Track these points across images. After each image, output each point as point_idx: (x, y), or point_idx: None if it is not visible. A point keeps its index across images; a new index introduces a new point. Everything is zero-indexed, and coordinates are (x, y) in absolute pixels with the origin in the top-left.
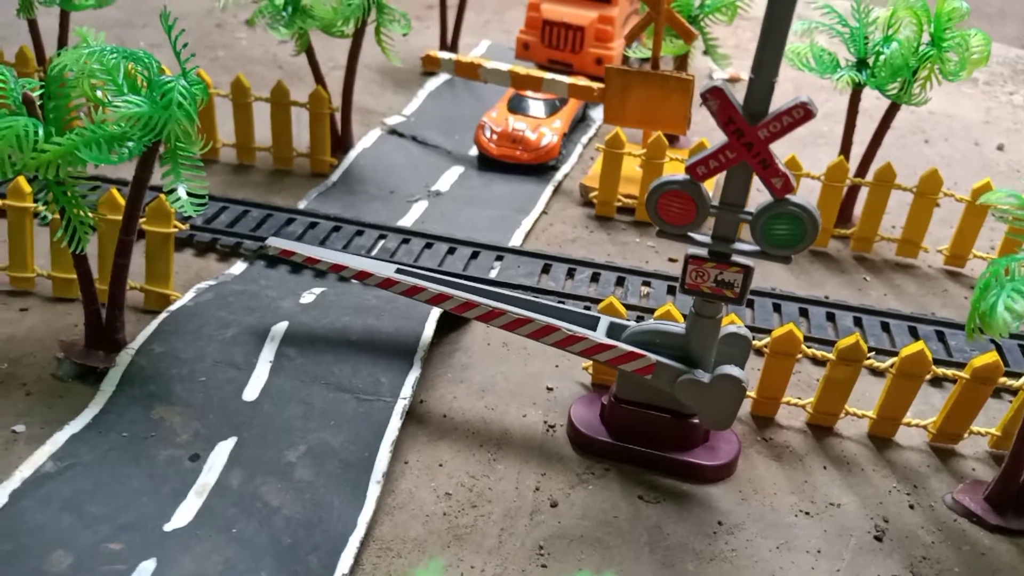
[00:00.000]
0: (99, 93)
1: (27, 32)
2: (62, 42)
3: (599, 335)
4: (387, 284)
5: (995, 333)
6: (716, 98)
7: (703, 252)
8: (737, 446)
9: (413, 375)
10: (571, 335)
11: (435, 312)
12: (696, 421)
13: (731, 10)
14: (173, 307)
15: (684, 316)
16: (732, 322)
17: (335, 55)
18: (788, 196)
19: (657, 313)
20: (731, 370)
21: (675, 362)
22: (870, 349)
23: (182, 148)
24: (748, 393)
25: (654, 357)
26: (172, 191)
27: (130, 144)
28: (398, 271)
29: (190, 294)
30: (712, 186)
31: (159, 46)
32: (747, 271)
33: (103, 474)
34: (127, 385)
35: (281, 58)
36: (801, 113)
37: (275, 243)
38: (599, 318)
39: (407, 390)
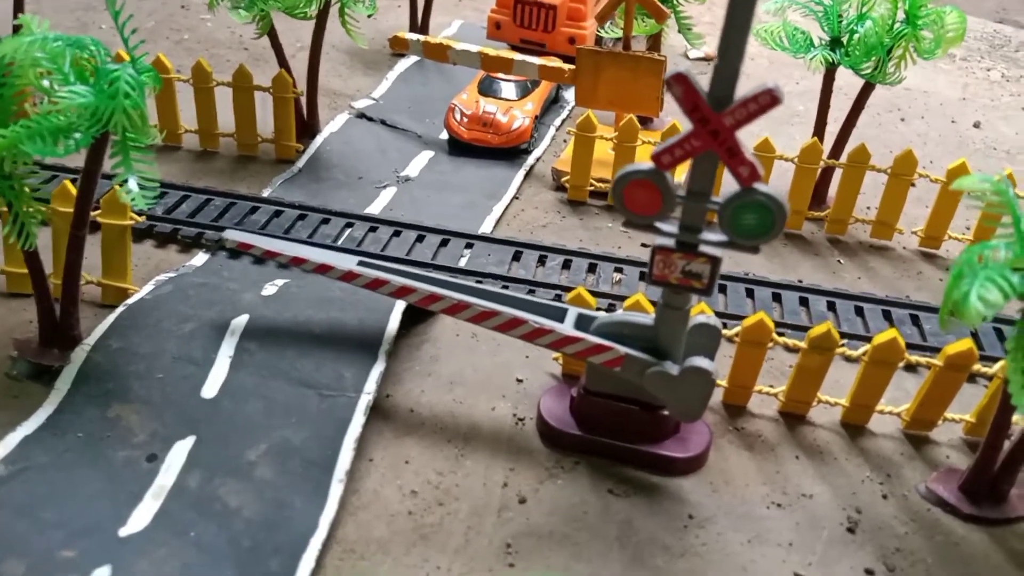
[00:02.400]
0: (45, 82)
1: None
2: (16, 27)
3: (567, 327)
4: (349, 277)
5: (968, 322)
6: (680, 84)
7: (670, 242)
8: (708, 437)
9: (377, 369)
10: (538, 328)
11: (400, 304)
12: (666, 413)
13: None
14: (131, 300)
15: (654, 305)
16: (702, 312)
17: (302, 36)
18: (755, 185)
19: (626, 303)
20: (700, 362)
21: (644, 354)
22: (843, 335)
23: (132, 139)
24: (719, 382)
25: (623, 349)
26: (123, 183)
27: (77, 135)
28: (361, 263)
29: (148, 287)
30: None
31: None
32: (715, 262)
33: (58, 477)
34: (83, 383)
35: (247, 40)
36: (767, 99)
37: (233, 236)
38: (567, 309)
39: (371, 385)
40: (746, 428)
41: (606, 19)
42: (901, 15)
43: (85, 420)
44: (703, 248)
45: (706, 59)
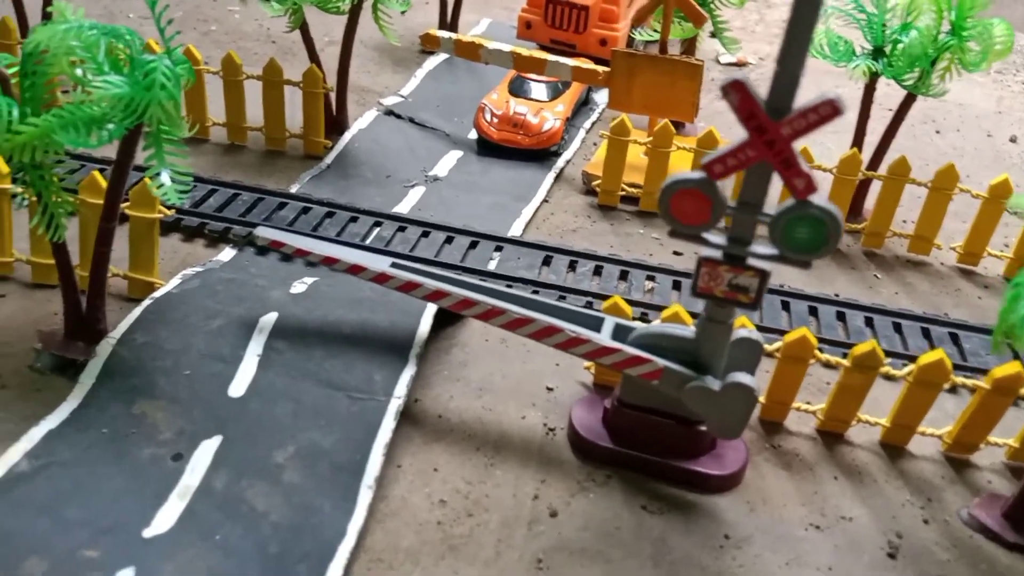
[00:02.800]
0: (79, 71)
1: (10, 2)
2: (47, 14)
3: (604, 337)
4: (382, 279)
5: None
6: (736, 92)
7: (717, 254)
8: (745, 454)
9: (408, 373)
10: (574, 337)
11: (432, 307)
12: (703, 428)
13: None
14: (157, 294)
15: (693, 317)
16: (743, 325)
17: (331, 30)
18: (810, 198)
19: (664, 314)
20: (742, 378)
21: (683, 367)
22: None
23: (166, 131)
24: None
25: (661, 362)
26: (156, 176)
27: (110, 127)
28: (394, 265)
29: (175, 280)
30: None
31: (149, 19)
32: (763, 276)
33: (81, 474)
34: (107, 378)
35: (275, 33)
36: (828, 110)
37: (264, 233)
38: (604, 319)
39: (401, 388)
40: (783, 446)
41: (643, 21)
42: (947, 26)
43: (110, 416)
44: (751, 261)
45: (738, 64)
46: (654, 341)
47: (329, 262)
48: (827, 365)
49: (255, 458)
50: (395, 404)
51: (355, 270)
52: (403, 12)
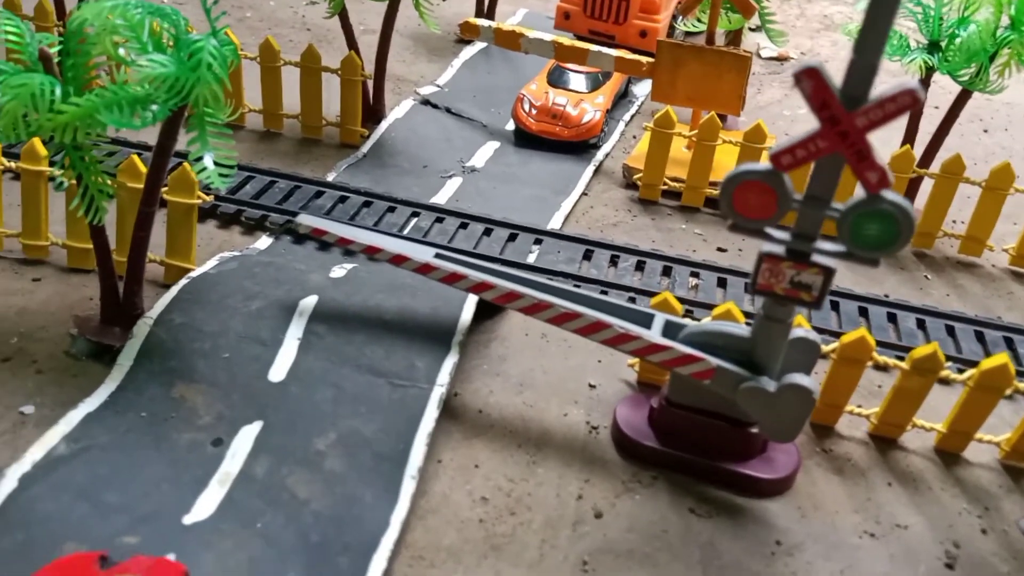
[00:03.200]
0: (122, 51)
1: None
2: None
3: (654, 334)
4: (425, 269)
5: None
6: (810, 79)
7: (779, 250)
8: (796, 458)
9: (451, 361)
10: (623, 333)
11: (473, 297)
12: (754, 430)
13: None
14: (194, 274)
15: (745, 314)
16: (799, 325)
17: (366, 18)
18: (882, 192)
19: (716, 311)
20: (800, 379)
21: (737, 367)
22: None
23: (210, 114)
24: None
25: (714, 361)
26: (198, 159)
27: (154, 108)
28: (437, 256)
29: (212, 262)
30: None
31: (184, 3)
32: (828, 273)
33: (120, 458)
34: (145, 359)
35: (310, 20)
36: (908, 100)
37: (306, 220)
38: (653, 315)
39: (444, 376)
40: (834, 450)
41: (690, 12)
42: (1006, 20)
43: (147, 399)
44: (815, 258)
45: (779, 59)
46: (707, 339)
47: (372, 251)
48: (883, 368)
49: (296, 445)
50: (437, 392)
51: (398, 260)
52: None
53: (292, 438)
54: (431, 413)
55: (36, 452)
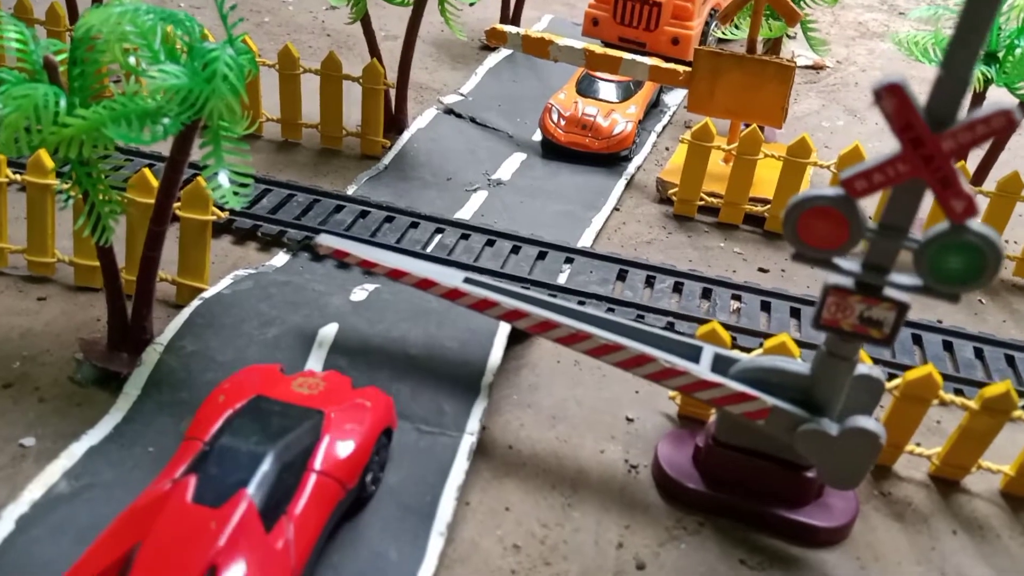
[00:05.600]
0: (132, 60)
1: None
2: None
3: (703, 369)
4: (453, 295)
5: None
6: (893, 97)
7: (848, 282)
8: (855, 504)
9: (480, 405)
10: (669, 368)
11: (504, 327)
12: (810, 474)
13: None
14: (207, 294)
15: (798, 343)
16: (861, 360)
17: (387, 23)
18: (968, 222)
19: (769, 343)
20: (867, 423)
21: (795, 407)
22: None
23: (225, 127)
24: None
25: (770, 400)
26: (212, 176)
27: (166, 121)
28: (467, 281)
29: (226, 281)
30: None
31: (201, 8)
32: (902, 309)
33: (125, 497)
34: (154, 389)
35: (330, 25)
36: (1002, 122)
37: (327, 241)
38: (701, 347)
39: (474, 424)
40: (893, 493)
41: (729, 19)
42: None
43: (156, 432)
44: (888, 292)
45: (815, 68)
46: (761, 375)
47: (396, 275)
48: (948, 405)
49: None
50: (467, 442)
51: (424, 284)
52: (472, 4)
53: None
54: (461, 464)
55: (35, 490)
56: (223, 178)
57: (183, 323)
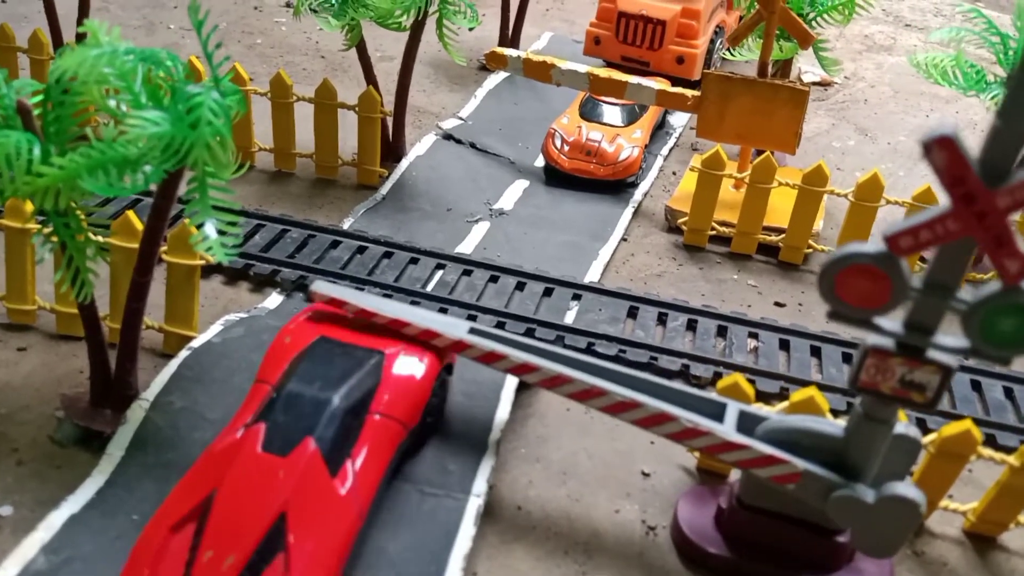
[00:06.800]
0: (112, 102)
1: (43, 12)
2: (80, 35)
3: (728, 429)
4: (458, 348)
5: None
6: (944, 150)
7: (889, 343)
8: (889, 570)
9: (487, 464)
10: (692, 428)
11: (512, 381)
12: (842, 539)
13: (848, 8)
14: (195, 343)
15: (819, 386)
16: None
17: (383, 44)
18: (1023, 284)
19: (795, 397)
20: (906, 491)
21: (826, 470)
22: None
23: (211, 173)
24: None
25: (801, 464)
26: (199, 226)
27: (147, 169)
28: (472, 332)
29: (216, 327)
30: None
31: (191, 30)
32: (947, 372)
33: (107, 571)
34: (139, 450)
35: (324, 46)
36: None
37: (322, 289)
38: (725, 404)
39: (480, 485)
40: (927, 553)
41: (740, 40)
42: None
43: (140, 498)
44: (932, 354)
45: (823, 84)
46: (791, 437)
47: (397, 326)
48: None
49: None
50: (474, 504)
51: (427, 336)
52: (471, 28)
53: None
54: (467, 530)
55: (10, 568)
56: (210, 228)
57: (170, 377)
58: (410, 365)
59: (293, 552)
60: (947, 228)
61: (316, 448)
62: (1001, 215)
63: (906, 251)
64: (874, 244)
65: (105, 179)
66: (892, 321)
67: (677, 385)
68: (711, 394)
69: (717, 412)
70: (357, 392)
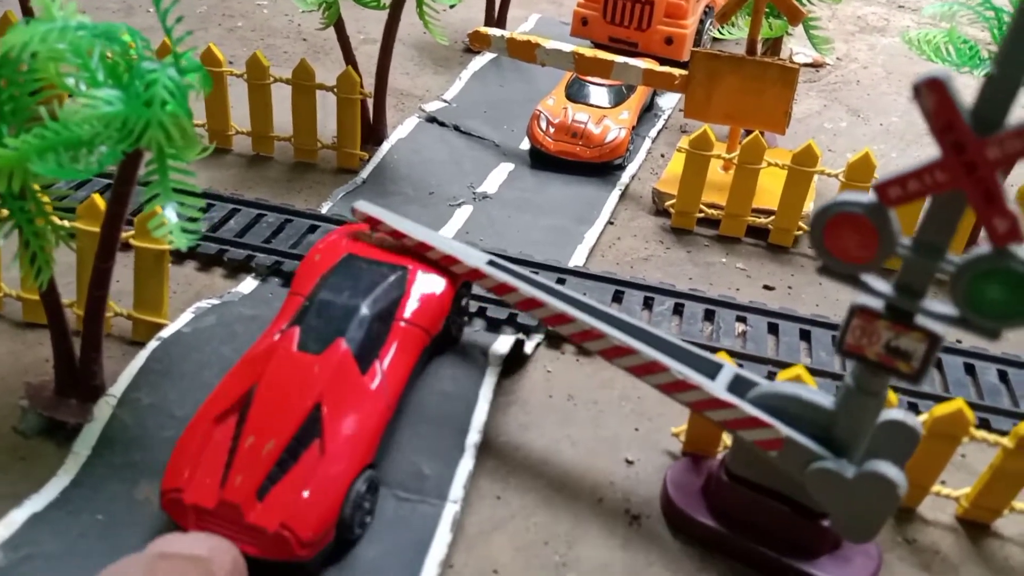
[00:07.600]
0: (70, 80)
1: None
2: (27, 9)
3: (718, 387)
4: (473, 276)
5: None
6: (933, 93)
7: (877, 304)
8: (877, 558)
9: (465, 468)
10: (681, 380)
11: (489, 380)
12: (826, 524)
13: None
14: (164, 333)
15: (809, 370)
16: (893, 405)
17: (366, 26)
18: (1011, 247)
19: (782, 375)
20: (884, 468)
21: (812, 442)
22: (1019, 416)
23: (172, 155)
24: None
25: (784, 430)
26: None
27: (102, 150)
28: (490, 264)
29: (186, 316)
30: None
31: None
32: (933, 340)
33: (70, 570)
34: (106, 449)
35: (306, 29)
36: None
37: (363, 207)
38: (721, 365)
39: (457, 490)
40: (919, 540)
41: (728, 18)
42: None
43: (106, 499)
44: (920, 320)
45: (814, 66)
46: (781, 404)
47: (423, 249)
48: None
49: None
50: (450, 511)
51: (447, 261)
52: (452, 7)
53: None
54: (443, 537)
55: None
56: (170, 213)
57: (138, 370)
58: (431, 280)
59: (328, 437)
60: (935, 178)
61: (347, 348)
62: (991, 167)
63: (895, 201)
64: (863, 194)
65: (56, 162)
66: (883, 282)
67: (679, 341)
68: (710, 355)
69: (712, 371)
70: (383, 301)
